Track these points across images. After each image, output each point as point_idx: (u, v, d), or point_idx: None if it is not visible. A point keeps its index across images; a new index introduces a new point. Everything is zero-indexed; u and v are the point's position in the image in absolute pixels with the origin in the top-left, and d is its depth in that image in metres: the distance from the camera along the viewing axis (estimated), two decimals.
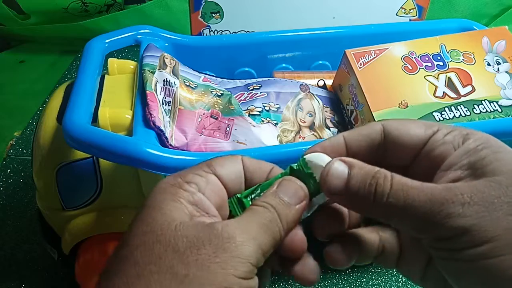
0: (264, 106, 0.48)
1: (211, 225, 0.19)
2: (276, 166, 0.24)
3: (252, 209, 0.21)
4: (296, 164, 0.23)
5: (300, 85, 0.51)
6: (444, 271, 0.20)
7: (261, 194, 0.23)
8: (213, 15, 0.77)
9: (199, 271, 0.18)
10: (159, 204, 0.21)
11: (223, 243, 0.19)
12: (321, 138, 0.47)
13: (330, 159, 0.22)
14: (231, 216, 0.23)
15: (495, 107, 0.45)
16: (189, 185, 0.21)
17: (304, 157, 0.23)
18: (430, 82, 0.46)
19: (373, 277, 0.54)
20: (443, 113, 0.44)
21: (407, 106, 0.45)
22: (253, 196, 0.23)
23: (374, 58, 0.47)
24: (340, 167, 0.21)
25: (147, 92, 0.40)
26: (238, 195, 0.23)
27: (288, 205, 0.22)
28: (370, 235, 0.24)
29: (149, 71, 0.42)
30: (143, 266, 0.18)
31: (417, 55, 0.48)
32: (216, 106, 0.46)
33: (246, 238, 0.19)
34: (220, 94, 0.48)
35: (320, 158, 0.22)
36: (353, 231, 0.24)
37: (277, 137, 0.45)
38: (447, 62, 0.48)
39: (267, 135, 0.45)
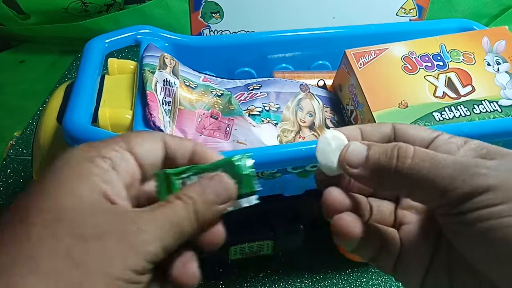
0: (264, 106, 0.48)
1: (121, 214, 0.19)
2: (199, 144, 0.24)
3: (170, 203, 0.20)
4: (237, 159, 0.23)
5: (300, 85, 0.51)
6: (464, 243, 0.20)
7: (192, 177, 0.22)
8: (213, 15, 0.77)
9: (96, 260, 0.17)
10: (68, 178, 0.19)
11: (127, 235, 0.18)
12: None
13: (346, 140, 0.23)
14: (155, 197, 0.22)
15: (495, 107, 0.45)
16: (103, 161, 0.20)
17: (325, 136, 0.24)
18: (430, 82, 0.46)
19: (373, 277, 0.54)
20: (443, 113, 0.44)
21: (407, 106, 0.45)
22: (184, 176, 0.22)
23: (374, 58, 0.47)
24: (359, 145, 0.22)
25: (147, 92, 0.40)
26: (168, 171, 0.22)
27: (210, 203, 0.22)
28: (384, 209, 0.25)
29: (149, 71, 0.42)
30: (39, 247, 0.17)
31: (417, 55, 0.48)
32: (216, 106, 0.46)
33: (153, 237, 0.19)
34: (220, 94, 0.48)
35: (337, 136, 0.24)
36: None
37: (277, 137, 0.45)
38: (447, 62, 0.48)
39: (267, 135, 0.45)
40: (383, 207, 0.25)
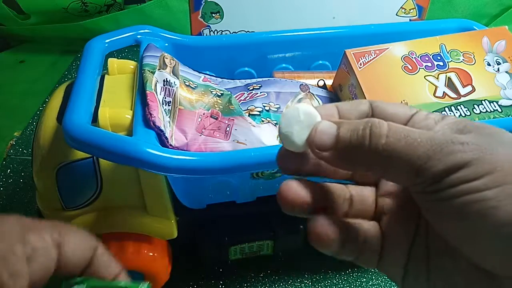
0: (264, 106, 0.48)
1: None
2: (123, 274, 0.24)
3: None
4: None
5: (300, 85, 0.51)
6: (441, 220, 0.20)
7: None
8: (213, 15, 0.77)
9: None
10: None
11: None
12: None
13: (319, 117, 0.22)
14: None
15: (495, 107, 0.45)
16: (23, 247, 0.20)
17: (297, 106, 0.22)
18: (430, 82, 0.46)
19: (373, 277, 0.54)
20: (443, 113, 0.44)
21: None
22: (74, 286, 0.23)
23: (374, 58, 0.47)
24: (328, 124, 0.21)
25: (147, 92, 0.40)
26: (65, 281, 0.23)
27: None
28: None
29: (149, 71, 0.42)
30: None
31: (417, 55, 0.48)
32: (216, 106, 0.46)
33: None
34: (220, 94, 0.48)
35: (309, 111, 0.22)
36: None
37: (277, 137, 0.45)
38: (447, 62, 0.48)
39: (267, 135, 0.45)
40: (364, 195, 0.24)
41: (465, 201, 0.18)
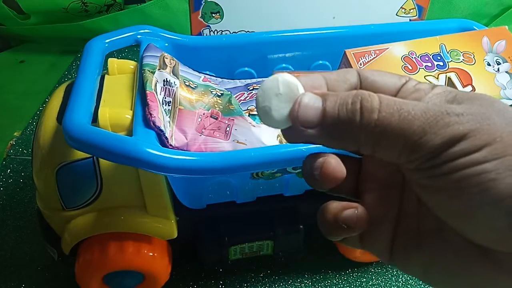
0: None
1: None
2: None
3: None
4: None
5: None
6: (436, 198, 0.19)
7: None
8: (213, 15, 0.77)
9: None
10: None
11: None
12: None
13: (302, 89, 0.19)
14: None
15: None
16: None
17: (276, 76, 0.19)
18: (430, 82, 0.46)
19: (373, 277, 0.54)
20: None
21: None
22: None
23: (374, 58, 0.47)
24: (312, 97, 0.19)
25: (147, 92, 0.40)
26: None
27: None
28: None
29: (149, 71, 0.42)
30: None
31: (417, 55, 0.48)
32: (216, 106, 0.46)
33: None
34: (220, 94, 0.48)
35: (289, 82, 0.19)
36: None
37: (277, 137, 0.45)
38: (447, 62, 0.48)
39: (267, 135, 0.45)
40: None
41: (464, 175, 0.17)
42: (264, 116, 0.20)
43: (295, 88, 0.19)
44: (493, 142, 0.17)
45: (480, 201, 0.17)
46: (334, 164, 0.20)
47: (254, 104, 0.48)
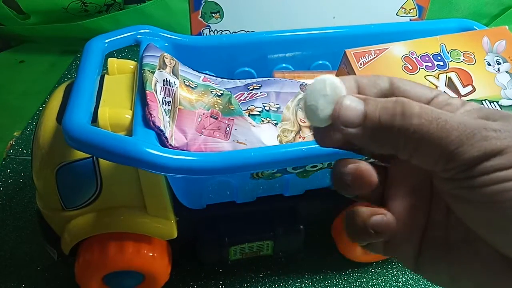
0: (264, 106, 0.48)
1: None
2: None
3: None
4: None
5: (300, 85, 0.51)
6: (468, 209, 0.19)
7: None
8: (213, 15, 0.77)
9: None
10: None
11: None
12: None
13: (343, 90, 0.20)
14: None
15: (495, 107, 0.45)
16: None
17: (324, 78, 0.21)
18: (430, 82, 0.46)
19: (373, 277, 0.54)
20: None
21: None
22: None
23: (374, 58, 0.47)
24: (355, 99, 0.20)
25: (147, 92, 0.40)
26: None
27: None
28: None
29: (149, 71, 0.42)
30: None
31: (417, 55, 0.48)
32: (216, 106, 0.46)
33: None
34: (220, 94, 0.48)
35: (336, 85, 0.20)
36: None
37: (277, 137, 0.45)
38: (448, 62, 0.48)
39: (267, 135, 0.45)
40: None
41: (498, 189, 0.17)
42: (310, 113, 0.21)
43: (340, 91, 0.20)
44: None
45: (509, 214, 0.17)
46: (367, 170, 0.21)
47: (254, 104, 0.48)
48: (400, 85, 0.21)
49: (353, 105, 0.20)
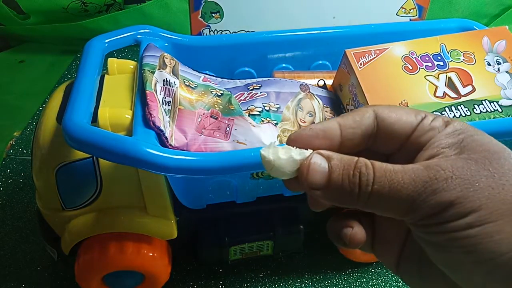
0: (264, 106, 0.48)
1: None
2: None
3: None
4: None
5: (300, 85, 0.51)
6: (428, 248, 0.21)
7: None
8: (213, 15, 0.77)
9: None
10: None
11: None
12: None
13: (295, 154, 0.22)
14: None
15: (495, 107, 0.45)
16: None
17: (263, 153, 0.22)
18: (430, 82, 0.46)
19: (373, 277, 0.54)
20: (443, 113, 0.44)
21: (407, 106, 0.45)
22: None
23: (374, 58, 0.47)
24: (319, 161, 0.21)
25: (147, 92, 0.40)
26: None
27: None
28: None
29: (149, 71, 0.42)
30: None
31: (417, 55, 0.48)
32: (216, 106, 0.46)
33: None
34: (220, 94, 0.48)
35: (288, 152, 0.22)
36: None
37: (277, 137, 0.45)
38: (447, 62, 0.48)
39: (267, 135, 0.45)
40: None
41: (452, 237, 0.19)
42: (280, 176, 0.23)
43: (303, 153, 0.22)
44: (477, 209, 0.19)
45: (464, 260, 0.19)
46: (360, 233, 0.23)
47: (254, 104, 0.48)
48: (384, 117, 0.23)
49: (318, 167, 0.21)
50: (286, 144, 0.23)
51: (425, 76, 0.47)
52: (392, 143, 0.23)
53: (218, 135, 0.43)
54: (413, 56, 0.48)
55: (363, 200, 0.20)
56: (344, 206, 0.22)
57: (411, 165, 0.20)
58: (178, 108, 0.43)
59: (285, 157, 0.22)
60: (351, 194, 0.21)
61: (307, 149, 0.22)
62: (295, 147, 0.22)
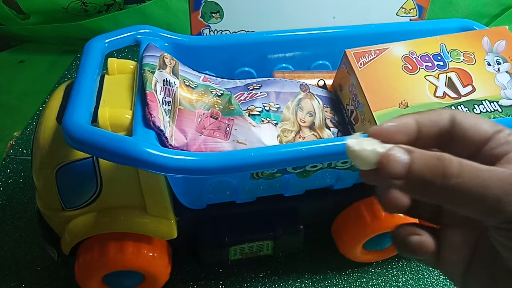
0: (264, 106, 0.48)
1: None
2: None
3: None
4: None
5: (300, 85, 0.51)
6: (509, 253, 0.20)
7: None
8: (213, 15, 0.77)
9: None
10: None
11: None
12: (321, 138, 0.47)
13: (378, 147, 0.22)
14: None
15: (495, 107, 0.45)
16: None
17: (353, 145, 0.22)
18: (430, 82, 0.46)
19: (373, 277, 0.54)
20: None
21: (407, 106, 0.45)
22: None
23: (374, 58, 0.47)
24: (400, 153, 0.21)
25: (147, 92, 0.40)
26: None
27: None
28: None
29: (149, 71, 0.42)
30: None
31: (417, 55, 0.48)
32: (216, 106, 0.46)
33: None
34: (220, 94, 0.48)
35: (372, 144, 0.22)
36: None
37: (277, 137, 0.45)
38: (448, 62, 0.48)
39: (267, 135, 0.45)
40: None
41: None
42: (363, 166, 0.22)
43: (378, 149, 0.22)
44: None
45: None
46: (429, 241, 0.22)
47: (254, 104, 0.48)
48: (461, 121, 0.22)
49: (399, 158, 0.21)
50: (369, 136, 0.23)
51: (425, 76, 0.47)
52: (464, 148, 0.22)
53: (218, 135, 0.43)
54: (413, 56, 0.48)
55: (444, 192, 0.20)
56: (424, 199, 0.21)
57: (497, 167, 0.20)
58: (178, 108, 0.43)
59: (369, 148, 0.22)
60: (432, 185, 0.20)
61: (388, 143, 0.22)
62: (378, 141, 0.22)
